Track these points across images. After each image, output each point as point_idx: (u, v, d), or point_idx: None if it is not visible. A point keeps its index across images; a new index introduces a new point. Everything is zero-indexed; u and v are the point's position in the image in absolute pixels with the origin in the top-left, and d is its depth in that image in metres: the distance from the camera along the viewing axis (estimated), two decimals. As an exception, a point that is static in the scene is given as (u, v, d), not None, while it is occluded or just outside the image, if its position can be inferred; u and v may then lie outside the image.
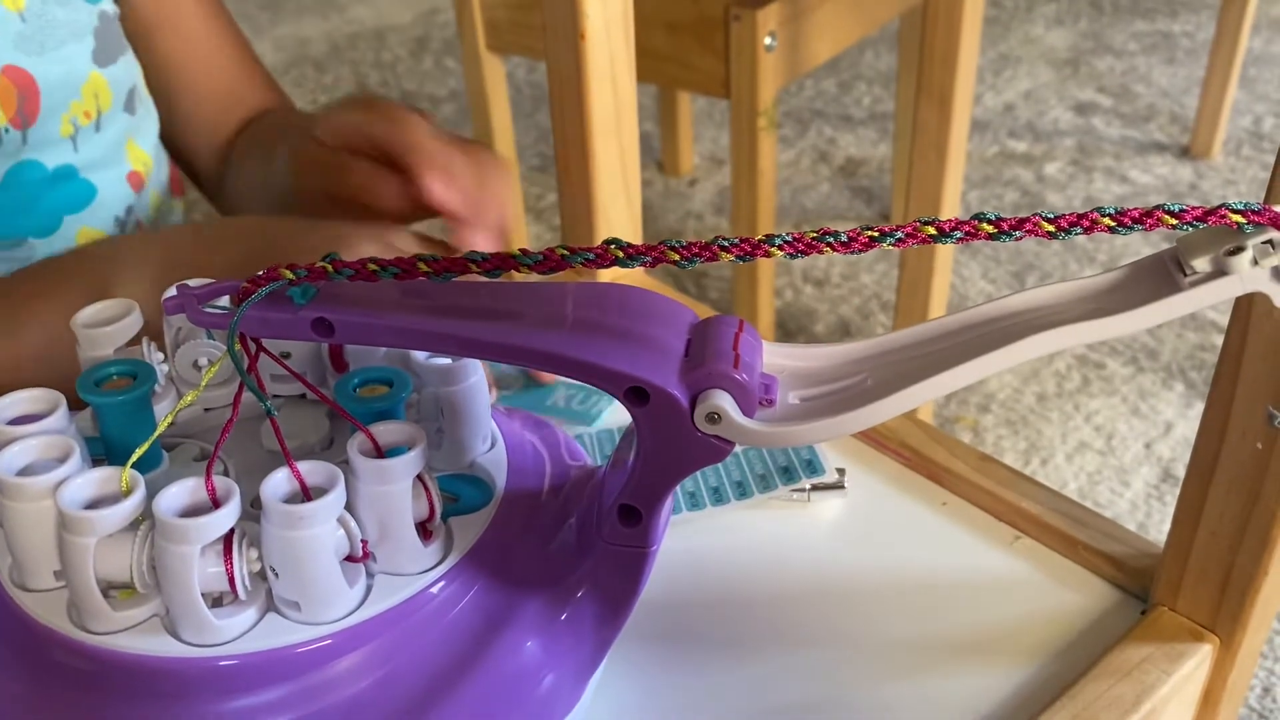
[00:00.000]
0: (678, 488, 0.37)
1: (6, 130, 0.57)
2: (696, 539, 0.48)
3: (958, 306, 1.39)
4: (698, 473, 0.50)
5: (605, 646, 0.37)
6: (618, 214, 0.64)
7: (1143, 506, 1.13)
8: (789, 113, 1.94)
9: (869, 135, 1.87)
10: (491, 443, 0.41)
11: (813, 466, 0.49)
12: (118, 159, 0.63)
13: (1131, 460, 1.18)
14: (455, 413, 0.39)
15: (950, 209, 1.06)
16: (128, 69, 0.63)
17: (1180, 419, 1.24)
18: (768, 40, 1.07)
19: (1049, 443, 1.21)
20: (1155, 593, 0.43)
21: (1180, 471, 1.16)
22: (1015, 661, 0.41)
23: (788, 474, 0.49)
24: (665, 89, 1.69)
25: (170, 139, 0.69)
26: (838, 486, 0.49)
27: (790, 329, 1.41)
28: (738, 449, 0.51)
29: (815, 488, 0.48)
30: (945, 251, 1.13)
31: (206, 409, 0.42)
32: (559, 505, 0.40)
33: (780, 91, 1.26)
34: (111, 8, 0.62)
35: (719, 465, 0.50)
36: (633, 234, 0.66)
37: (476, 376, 0.40)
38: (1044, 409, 1.26)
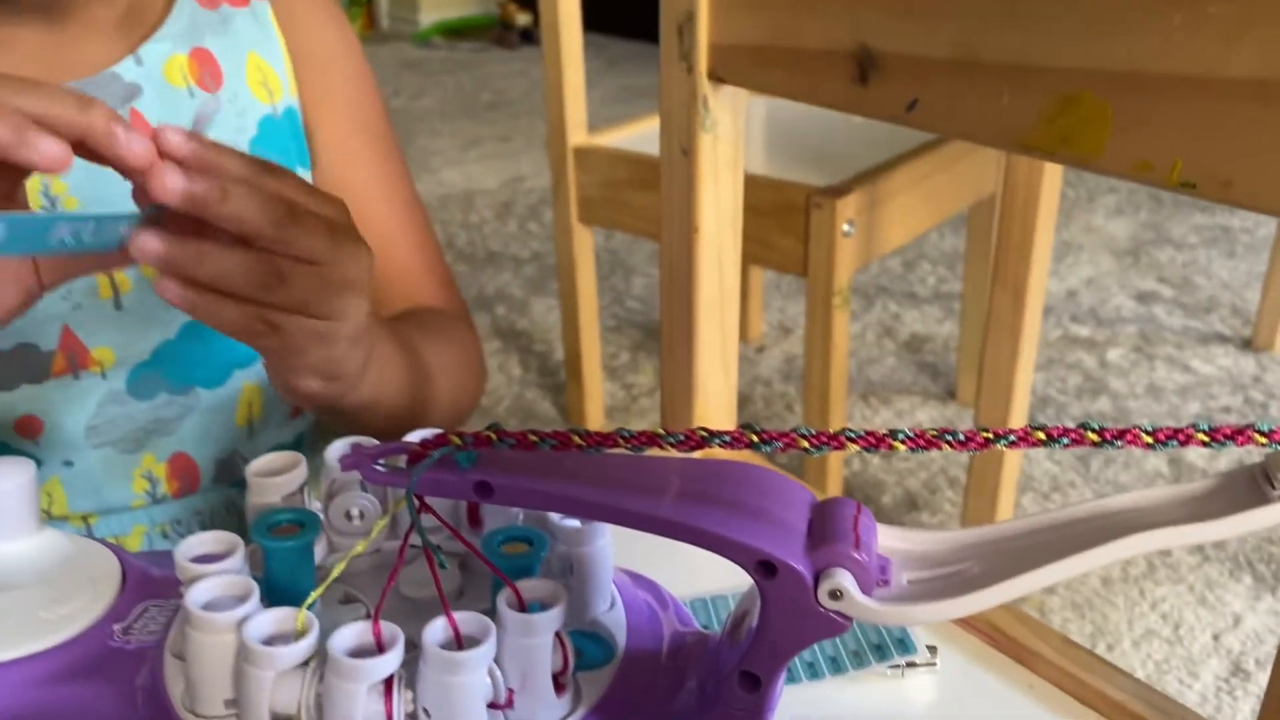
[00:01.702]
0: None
1: None
2: (793, 710, 0.50)
3: (1025, 487, 1.40)
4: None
5: (718, 805, 0.39)
6: (715, 386, 0.68)
7: (1212, 699, 1.12)
8: (856, 288, 2.01)
9: (934, 313, 1.92)
10: (611, 603, 0.44)
11: (905, 645, 0.51)
12: None
13: (1200, 651, 1.18)
14: (583, 572, 0.43)
15: (1021, 392, 1.09)
16: None
17: (1249, 612, 1.23)
18: (846, 227, 1.13)
19: (1115, 628, 1.21)
20: (1241, 788, 0.44)
21: (1251, 665, 1.15)
22: None
23: (880, 651, 0.51)
24: (742, 264, 1.77)
25: None
26: (930, 664, 0.51)
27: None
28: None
29: (909, 665, 0.51)
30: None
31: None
32: (677, 669, 0.42)
33: (850, 276, 1.32)
34: (304, 175, 0.66)
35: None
36: (728, 402, 0.70)
37: (604, 539, 0.43)
38: (1109, 593, 1.26)
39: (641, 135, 1.38)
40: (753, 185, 1.17)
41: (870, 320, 1.90)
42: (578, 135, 1.33)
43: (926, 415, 1.61)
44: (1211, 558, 1.31)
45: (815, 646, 0.52)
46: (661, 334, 0.67)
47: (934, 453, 1.53)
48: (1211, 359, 1.76)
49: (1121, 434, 0.35)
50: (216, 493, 0.67)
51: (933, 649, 0.51)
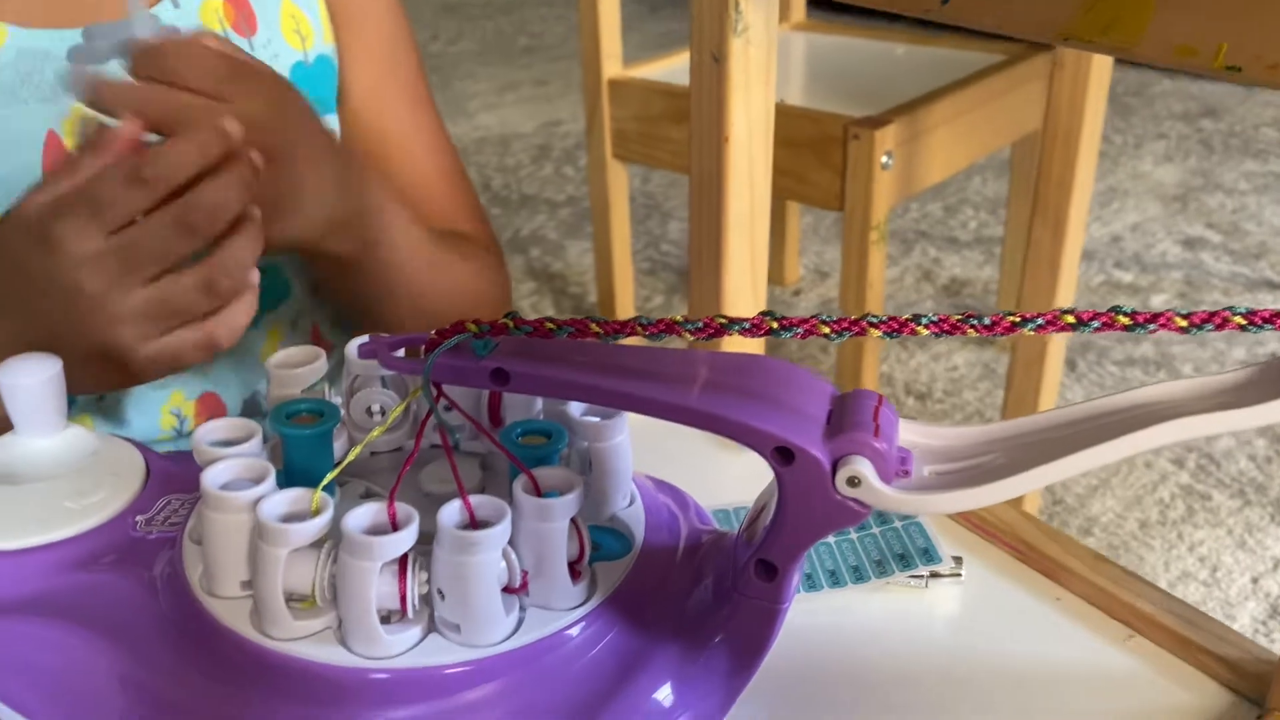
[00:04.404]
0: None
1: None
2: (813, 618, 0.49)
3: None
4: (814, 556, 0.52)
5: (734, 696, 0.39)
6: (744, 308, 0.67)
7: (1249, 644, 1.10)
8: (895, 232, 1.98)
9: (974, 257, 1.89)
10: (630, 500, 0.44)
11: (929, 554, 0.51)
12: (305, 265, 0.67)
13: (1237, 594, 1.16)
14: (602, 467, 0.42)
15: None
16: None
17: (1290, 557, 1.21)
18: (884, 159, 1.11)
19: (1151, 570, 1.19)
20: (1271, 698, 0.43)
21: (1289, 611, 1.14)
22: (1128, 754, 0.42)
23: (904, 561, 0.51)
24: (777, 201, 1.75)
25: None
26: (954, 575, 0.50)
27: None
28: (853, 534, 0.53)
29: (933, 575, 0.50)
30: (1052, 374, 1.14)
31: (373, 453, 0.46)
32: (694, 566, 0.42)
33: (890, 210, 1.30)
34: (333, 123, 0.67)
35: (836, 550, 0.52)
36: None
37: (623, 435, 0.43)
38: (1146, 536, 1.24)
39: (678, 68, 1.36)
40: (788, 117, 1.16)
41: (909, 264, 1.88)
42: (612, 67, 1.31)
43: (963, 358, 1.60)
44: (1253, 501, 1.29)
45: (837, 554, 0.52)
46: (689, 251, 0.66)
47: (969, 395, 1.51)
48: (1259, 305, 1.72)
49: (1155, 318, 0.34)
50: None
51: (958, 559, 0.51)
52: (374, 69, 0.70)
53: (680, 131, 1.28)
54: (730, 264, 0.65)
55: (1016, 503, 0.54)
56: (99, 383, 0.51)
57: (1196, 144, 2.32)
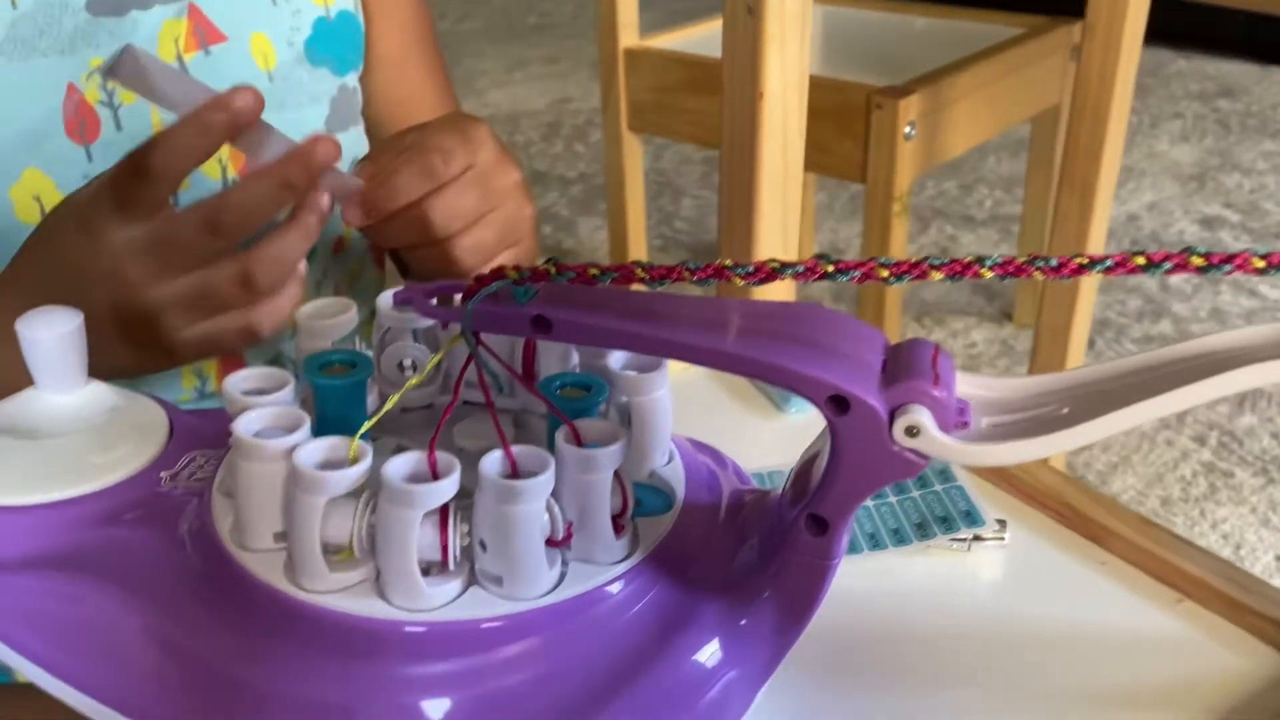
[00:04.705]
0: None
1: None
2: (853, 581, 0.48)
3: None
4: (853, 519, 0.51)
5: (782, 653, 0.37)
6: (773, 271, 0.66)
7: (1272, 622, 1.09)
8: (912, 209, 1.96)
9: (990, 235, 1.88)
10: (670, 457, 0.43)
11: (971, 517, 0.50)
12: (334, 224, 0.64)
13: (1262, 572, 1.15)
14: (642, 422, 0.41)
15: (1086, 302, 1.06)
16: (359, 139, 0.67)
17: (1313, 535, 1.20)
18: (907, 129, 1.09)
19: (1173, 549, 1.18)
20: (1329, 663, 0.42)
21: (1312, 590, 1.13)
22: None
23: (946, 523, 0.50)
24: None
25: None
26: (998, 538, 0.49)
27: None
28: (892, 496, 0.52)
29: (976, 539, 0.49)
30: (1076, 351, 1.12)
31: (404, 410, 0.45)
32: (738, 524, 0.41)
33: (911, 182, 1.28)
34: (354, 81, 0.66)
35: (875, 513, 0.51)
36: (788, 281, 0.67)
37: (663, 390, 0.42)
38: (1169, 513, 1.23)
39: (696, 39, 1.34)
40: (810, 86, 1.14)
41: (926, 242, 1.86)
42: (629, 37, 1.29)
43: (981, 335, 1.58)
44: (1276, 480, 1.28)
45: (876, 517, 0.51)
46: (720, 210, 0.65)
47: (987, 373, 1.49)
48: None
49: (1230, 259, 0.32)
50: None
51: (1002, 523, 0.49)
52: (400, 35, 0.69)
53: (698, 102, 1.26)
54: (762, 225, 0.63)
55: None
56: (140, 364, 0.51)
57: (1213, 124, 2.30)
